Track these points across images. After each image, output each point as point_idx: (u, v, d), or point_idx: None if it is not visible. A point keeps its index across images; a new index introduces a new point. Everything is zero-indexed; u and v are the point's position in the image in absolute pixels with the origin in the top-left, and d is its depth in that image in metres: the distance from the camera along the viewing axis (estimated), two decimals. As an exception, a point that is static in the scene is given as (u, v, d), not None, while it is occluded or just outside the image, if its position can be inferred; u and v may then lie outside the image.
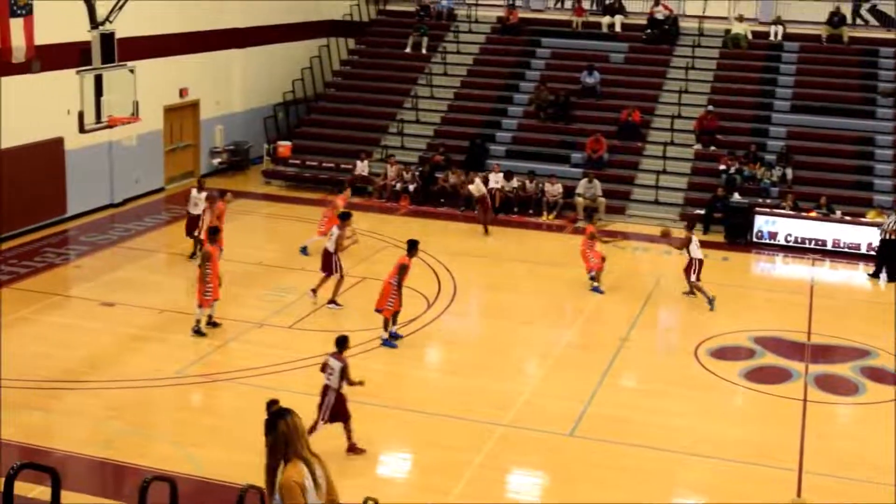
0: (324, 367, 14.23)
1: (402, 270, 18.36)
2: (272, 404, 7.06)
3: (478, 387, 16.93)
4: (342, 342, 14.33)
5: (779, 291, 23.46)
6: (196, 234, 22.70)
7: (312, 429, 14.12)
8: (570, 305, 21.49)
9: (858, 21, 34.76)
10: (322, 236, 22.98)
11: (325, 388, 14.15)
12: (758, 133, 30.21)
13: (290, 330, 19.11)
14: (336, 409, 14.14)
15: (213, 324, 18.80)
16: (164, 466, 13.28)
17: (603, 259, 22.18)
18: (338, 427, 14.20)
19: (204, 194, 22.80)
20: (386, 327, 18.50)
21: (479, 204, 26.83)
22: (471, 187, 27.29)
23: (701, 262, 21.44)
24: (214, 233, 19.38)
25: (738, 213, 26.63)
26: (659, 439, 15.14)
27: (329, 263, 20.31)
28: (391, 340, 18.43)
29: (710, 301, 21.13)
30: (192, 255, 22.67)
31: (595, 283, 22.00)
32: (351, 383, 14.13)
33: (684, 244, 21.56)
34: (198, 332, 18.55)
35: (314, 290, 20.49)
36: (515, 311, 20.90)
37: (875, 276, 23.90)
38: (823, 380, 17.76)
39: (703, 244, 25.68)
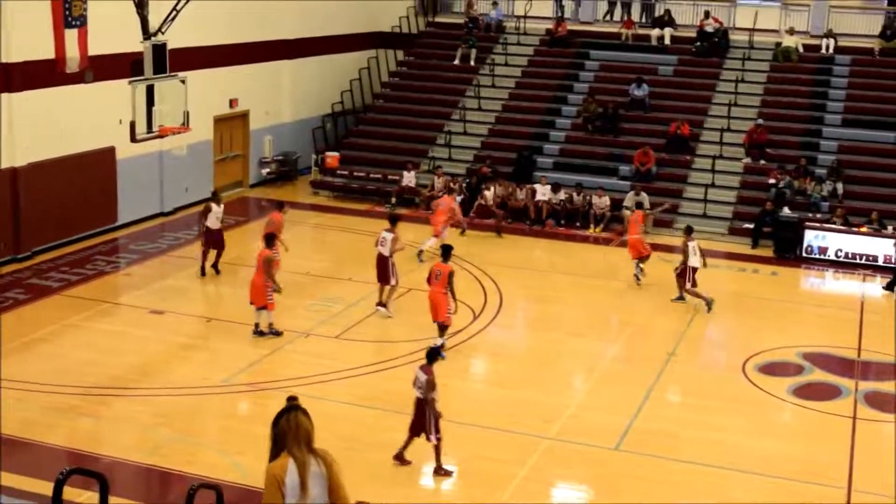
0: (415, 381, 14.18)
1: (451, 277, 18.32)
2: (290, 400, 7.07)
3: (523, 399, 16.89)
4: (432, 355, 14.30)
5: (828, 307, 23.21)
6: (209, 249, 22.63)
7: (409, 444, 14.17)
8: (617, 319, 21.39)
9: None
10: (436, 238, 23.70)
11: (418, 402, 14.05)
12: (808, 147, 29.91)
13: (337, 340, 19.18)
14: (418, 419, 14.08)
15: (275, 332, 18.98)
16: (211, 474, 13.40)
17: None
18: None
19: (222, 207, 22.77)
20: (442, 334, 18.51)
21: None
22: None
23: (695, 270, 21.41)
24: (271, 239, 19.52)
25: (787, 227, 26.37)
26: (706, 455, 15.03)
27: (385, 269, 20.33)
28: (441, 350, 18.42)
29: (709, 304, 21.43)
30: (203, 273, 22.49)
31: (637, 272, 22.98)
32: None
33: (683, 251, 21.47)
34: (261, 334, 18.80)
35: (383, 305, 20.51)
36: (561, 323, 20.84)
37: (890, 288, 23.72)
38: (873, 397, 17.55)
39: (752, 258, 25.71)
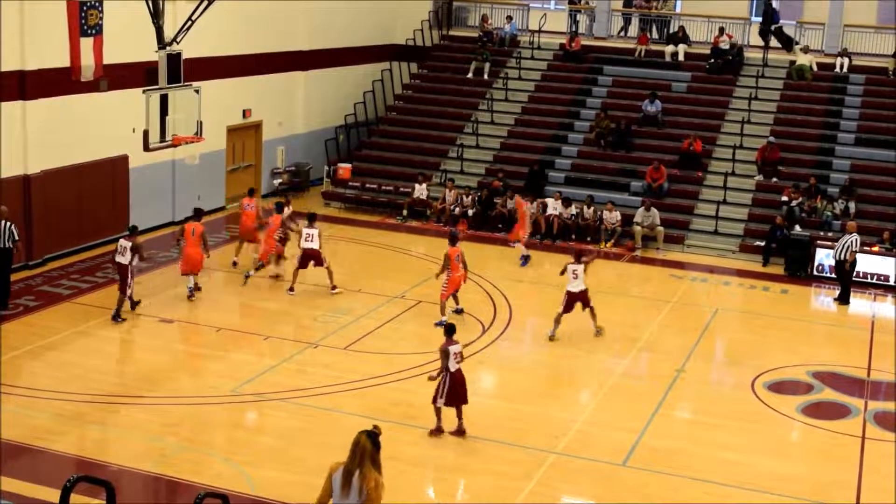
0: (455, 356, 15.44)
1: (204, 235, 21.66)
2: (374, 428, 8.81)
3: (530, 414, 16.86)
4: (453, 329, 15.75)
5: (839, 326, 23.14)
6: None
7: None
8: (626, 334, 21.31)
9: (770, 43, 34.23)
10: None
11: (460, 374, 15.52)
12: (821, 165, 29.85)
13: (345, 351, 19.18)
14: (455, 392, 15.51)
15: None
16: (218, 483, 13.40)
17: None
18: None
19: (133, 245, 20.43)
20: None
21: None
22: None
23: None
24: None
25: (798, 245, 26.31)
26: (713, 472, 14.97)
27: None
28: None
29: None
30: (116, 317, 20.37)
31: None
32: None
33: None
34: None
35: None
36: (570, 338, 20.78)
37: (841, 300, 24.06)
38: (883, 417, 17.47)
39: (763, 276, 25.67)
